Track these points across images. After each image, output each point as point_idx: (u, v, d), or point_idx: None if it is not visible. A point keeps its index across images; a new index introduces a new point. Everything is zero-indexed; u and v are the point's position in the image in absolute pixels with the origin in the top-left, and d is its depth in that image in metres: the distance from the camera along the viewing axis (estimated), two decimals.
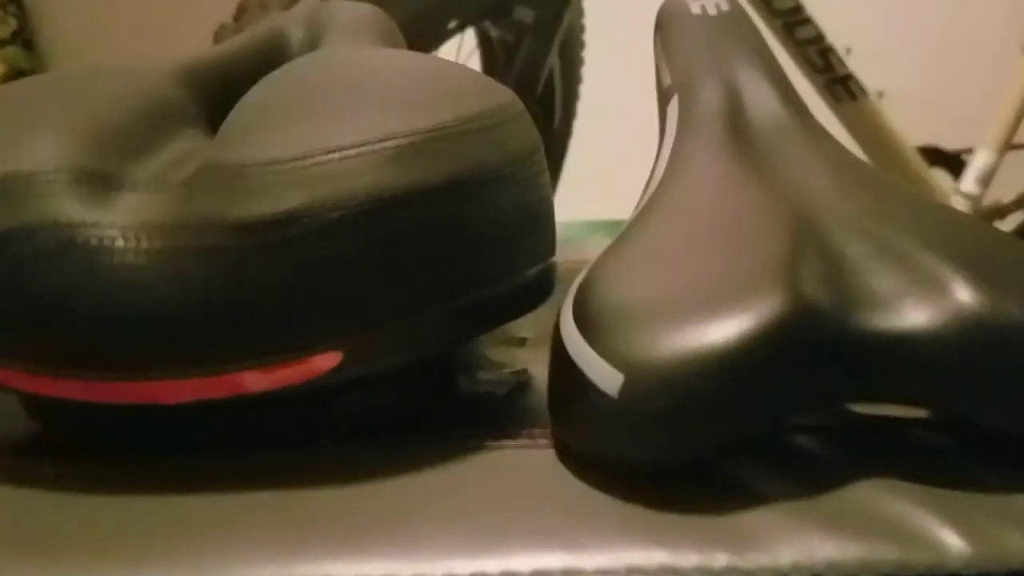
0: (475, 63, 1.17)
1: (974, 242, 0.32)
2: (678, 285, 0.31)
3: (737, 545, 0.27)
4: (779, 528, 0.28)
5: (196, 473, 0.31)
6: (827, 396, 0.31)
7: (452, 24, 1.05)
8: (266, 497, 0.30)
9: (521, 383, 0.38)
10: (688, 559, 0.27)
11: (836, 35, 1.08)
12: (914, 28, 1.78)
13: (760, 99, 0.39)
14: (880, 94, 1.21)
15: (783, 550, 0.27)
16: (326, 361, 0.31)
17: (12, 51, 1.75)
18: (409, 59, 0.36)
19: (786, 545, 0.27)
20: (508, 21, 1.08)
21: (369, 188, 0.30)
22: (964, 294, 0.29)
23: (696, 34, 0.42)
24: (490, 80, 0.35)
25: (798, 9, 1.05)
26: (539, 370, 0.37)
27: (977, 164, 1.15)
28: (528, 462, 0.32)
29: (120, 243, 0.30)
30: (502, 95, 0.34)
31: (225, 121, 0.34)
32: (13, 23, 1.75)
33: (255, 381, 0.31)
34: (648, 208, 0.36)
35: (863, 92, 1.09)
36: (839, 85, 1.07)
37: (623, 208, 0.40)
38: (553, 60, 1.11)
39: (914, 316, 0.29)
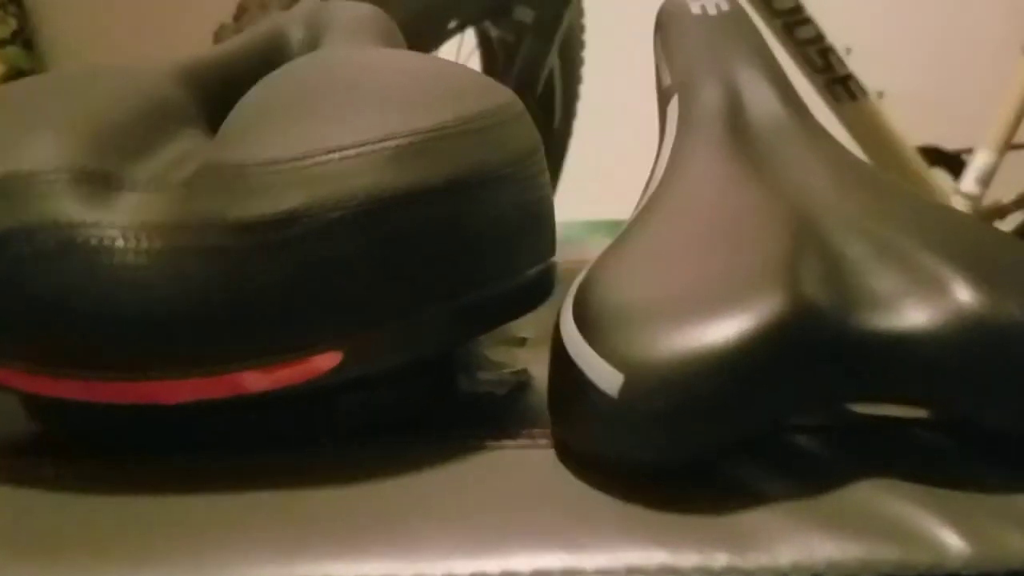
0: (475, 63, 1.17)
1: (974, 242, 0.32)
2: (678, 285, 0.31)
3: (737, 545, 0.27)
4: (779, 528, 0.28)
5: (196, 473, 0.31)
6: (827, 396, 0.31)
7: (452, 24, 1.05)
8: (266, 497, 0.30)
9: (521, 383, 0.38)
10: (688, 559, 0.27)
11: (836, 35, 1.08)
12: (914, 28, 1.78)
13: (760, 99, 0.39)
14: (880, 94, 1.21)
15: (783, 550, 0.27)
16: (326, 361, 0.31)
17: (12, 51, 1.75)
18: (409, 59, 0.36)
19: (786, 545, 0.27)
20: (508, 21, 1.08)
21: (369, 188, 0.30)
22: (964, 294, 0.29)
23: (696, 34, 0.42)
24: (490, 80, 0.35)
25: (798, 9, 1.05)
26: (539, 370, 0.37)
27: (977, 164, 1.15)
28: (528, 462, 0.32)
29: (120, 243, 0.30)
30: (502, 95, 0.34)
31: (225, 121, 0.34)
32: (13, 23, 1.75)
33: (255, 381, 0.31)
34: (648, 208, 0.36)
35: (863, 92, 1.09)
36: (839, 85, 1.07)
37: (623, 208, 0.40)
38: (553, 60, 1.11)
39: (914, 316, 0.29)
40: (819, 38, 1.07)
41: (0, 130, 0.32)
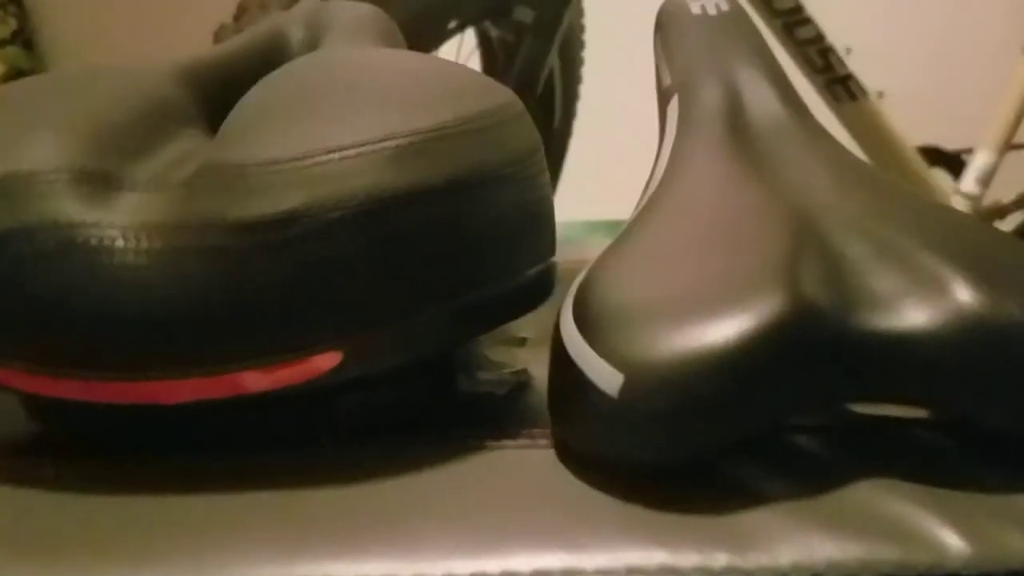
0: (475, 63, 1.17)
1: (974, 242, 0.32)
2: (678, 285, 0.31)
3: (737, 545, 0.27)
4: (779, 528, 0.28)
5: (196, 473, 0.31)
6: (827, 396, 0.31)
7: (452, 24, 1.05)
8: (266, 497, 0.30)
9: (521, 383, 0.38)
10: (688, 559, 0.27)
11: (836, 35, 1.08)
12: (914, 28, 1.78)
13: (760, 99, 0.39)
14: (880, 94, 1.21)
15: (783, 550, 0.27)
16: (326, 361, 0.31)
17: (12, 51, 1.75)
18: (409, 59, 0.36)
19: (786, 545, 0.27)
20: (508, 21, 1.08)
21: (369, 188, 0.30)
22: (964, 294, 0.29)
23: (696, 34, 0.42)
24: (490, 80, 0.35)
25: (798, 9, 1.05)
26: (539, 370, 0.37)
27: (977, 164, 1.15)
28: (528, 462, 0.32)
29: (120, 243, 0.30)
30: (502, 95, 0.34)
31: (225, 121, 0.34)
32: (13, 23, 1.75)
33: (255, 381, 0.31)
34: (648, 208, 0.36)
35: (863, 92, 1.09)
36: (839, 85, 1.07)
37: (623, 208, 0.40)
38: (553, 60, 1.11)
39: (914, 316, 0.29)
40: (819, 38, 1.07)
41: (0, 130, 0.32)
